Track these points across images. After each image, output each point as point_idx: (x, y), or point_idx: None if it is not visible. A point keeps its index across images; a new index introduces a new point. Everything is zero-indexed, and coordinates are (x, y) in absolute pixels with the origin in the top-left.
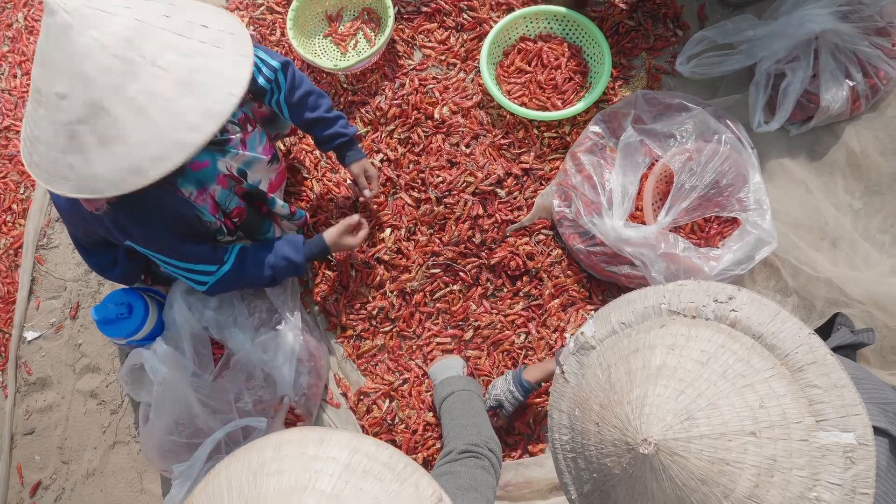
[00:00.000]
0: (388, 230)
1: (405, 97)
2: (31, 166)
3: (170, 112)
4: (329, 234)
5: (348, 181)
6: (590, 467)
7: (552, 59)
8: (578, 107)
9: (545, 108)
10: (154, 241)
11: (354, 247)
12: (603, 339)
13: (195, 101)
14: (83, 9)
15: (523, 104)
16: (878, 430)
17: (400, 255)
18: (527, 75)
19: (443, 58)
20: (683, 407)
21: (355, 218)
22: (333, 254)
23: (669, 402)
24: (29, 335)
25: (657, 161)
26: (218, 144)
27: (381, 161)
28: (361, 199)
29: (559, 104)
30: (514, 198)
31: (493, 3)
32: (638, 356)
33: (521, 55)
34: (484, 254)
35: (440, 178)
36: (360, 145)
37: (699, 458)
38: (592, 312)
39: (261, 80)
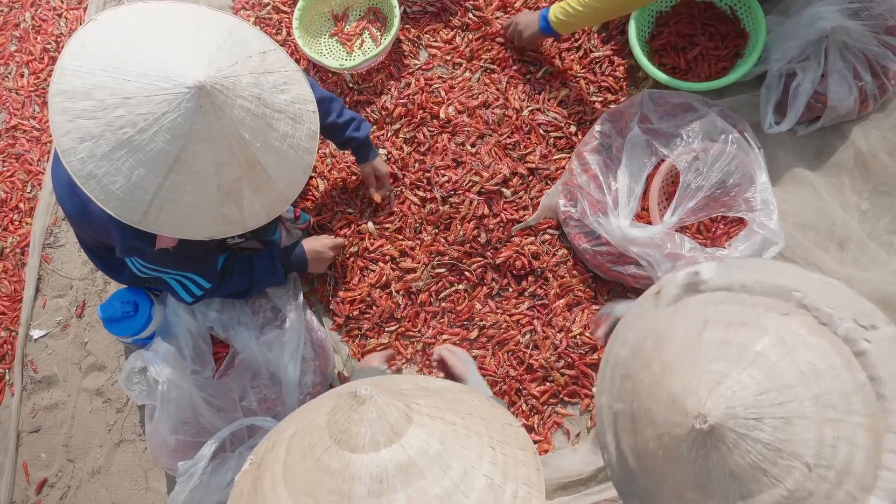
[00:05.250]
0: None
1: (411, 96)
2: (154, 221)
3: (293, 146)
4: (309, 244)
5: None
6: (636, 390)
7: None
8: (737, 73)
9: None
10: (162, 259)
11: (330, 257)
12: (715, 290)
13: (302, 128)
14: (225, 81)
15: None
16: None
17: (405, 255)
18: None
19: (448, 57)
20: (758, 407)
21: (341, 241)
22: (312, 268)
23: (748, 396)
24: (35, 333)
25: (664, 161)
26: None
27: (388, 160)
28: (372, 199)
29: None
30: (520, 197)
31: (500, 3)
32: (742, 331)
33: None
34: (489, 253)
35: (446, 178)
36: (371, 145)
37: (743, 458)
38: (595, 308)
39: None
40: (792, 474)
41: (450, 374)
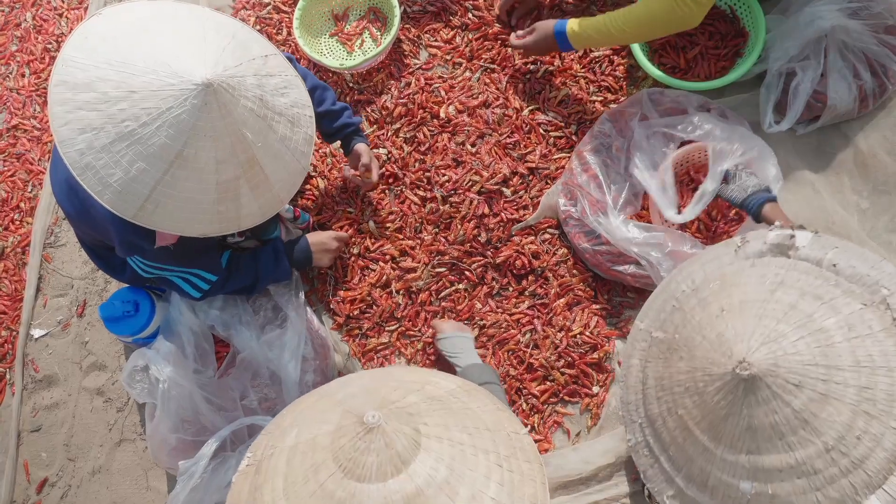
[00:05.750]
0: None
1: (411, 96)
2: (150, 216)
3: (290, 148)
4: (314, 237)
5: (349, 173)
6: (685, 322)
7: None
8: (737, 72)
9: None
10: (163, 256)
11: (335, 248)
12: (803, 258)
13: (300, 132)
14: (231, 80)
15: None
16: None
17: (405, 255)
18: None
19: (448, 57)
20: (803, 375)
21: (344, 235)
22: (317, 260)
23: (797, 362)
24: (36, 333)
25: (667, 159)
26: None
27: (388, 158)
28: (361, 185)
29: (716, 73)
30: (520, 197)
31: (492, 5)
32: (814, 304)
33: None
34: (489, 253)
35: (446, 177)
36: (363, 133)
37: (767, 416)
38: (597, 308)
39: None
40: (807, 448)
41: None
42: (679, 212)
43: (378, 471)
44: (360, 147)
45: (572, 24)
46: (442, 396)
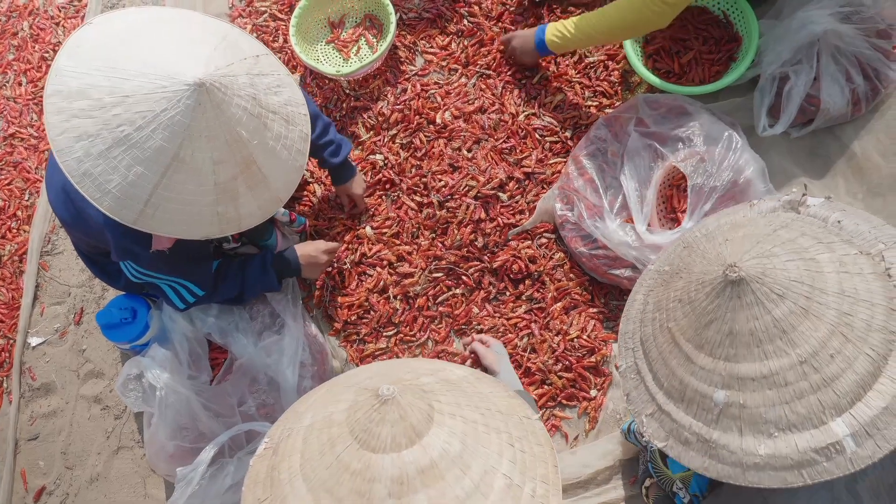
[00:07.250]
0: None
1: (407, 102)
2: (150, 220)
3: (286, 146)
4: (303, 249)
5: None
6: (690, 253)
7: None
8: (731, 76)
9: (703, 83)
10: (157, 263)
11: (324, 262)
12: (811, 214)
13: (295, 130)
14: (223, 79)
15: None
16: None
17: (402, 260)
18: (676, 53)
19: (444, 63)
20: (787, 289)
21: (335, 246)
22: (306, 273)
23: (784, 277)
24: (33, 341)
25: (664, 164)
26: None
27: (384, 164)
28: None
29: (711, 77)
30: (516, 202)
31: (490, 13)
32: (811, 241)
33: (669, 30)
34: (486, 257)
35: (442, 183)
36: (348, 168)
37: (749, 321)
38: (593, 312)
39: None
40: (781, 358)
41: (479, 366)
42: (649, 228)
43: (393, 442)
44: (338, 191)
45: (550, 32)
46: (454, 381)
